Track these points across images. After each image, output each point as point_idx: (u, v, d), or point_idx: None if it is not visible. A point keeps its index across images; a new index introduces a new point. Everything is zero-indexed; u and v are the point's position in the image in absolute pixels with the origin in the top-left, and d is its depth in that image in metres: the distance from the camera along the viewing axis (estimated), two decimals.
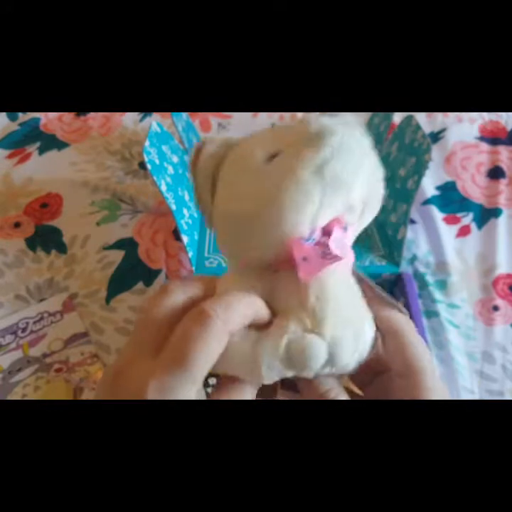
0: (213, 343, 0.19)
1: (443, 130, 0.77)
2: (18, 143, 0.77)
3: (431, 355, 0.23)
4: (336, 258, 0.21)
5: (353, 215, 0.23)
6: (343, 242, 0.22)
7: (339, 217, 0.22)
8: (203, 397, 0.21)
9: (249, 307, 0.21)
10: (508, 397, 0.52)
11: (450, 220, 0.66)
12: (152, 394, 0.18)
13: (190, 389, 0.19)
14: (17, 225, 0.66)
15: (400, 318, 0.23)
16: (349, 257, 0.23)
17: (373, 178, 0.23)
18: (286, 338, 0.20)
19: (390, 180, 0.59)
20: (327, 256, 0.21)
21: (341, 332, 0.21)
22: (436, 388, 0.21)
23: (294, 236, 0.22)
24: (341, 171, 0.21)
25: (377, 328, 0.23)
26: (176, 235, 0.63)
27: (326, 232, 0.22)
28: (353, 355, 0.21)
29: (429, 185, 0.70)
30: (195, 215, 0.60)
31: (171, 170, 0.53)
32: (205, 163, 0.25)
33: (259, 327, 0.21)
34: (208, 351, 0.19)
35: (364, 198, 0.23)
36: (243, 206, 0.22)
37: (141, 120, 0.81)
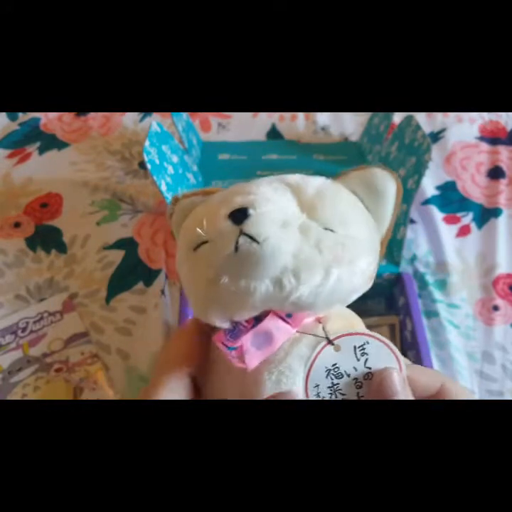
0: None
1: (443, 130, 0.77)
2: (18, 143, 0.77)
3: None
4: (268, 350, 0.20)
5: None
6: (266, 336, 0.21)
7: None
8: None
9: None
10: (508, 397, 0.52)
11: (450, 220, 0.66)
12: None
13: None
14: (17, 225, 0.66)
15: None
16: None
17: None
18: None
19: None
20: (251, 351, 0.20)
21: None
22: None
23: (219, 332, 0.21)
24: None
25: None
26: None
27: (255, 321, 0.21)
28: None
29: (429, 185, 0.70)
30: None
31: (171, 170, 0.53)
32: (176, 217, 0.25)
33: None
34: None
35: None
36: (181, 277, 0.23)
37: (141, 120, 0.81)
